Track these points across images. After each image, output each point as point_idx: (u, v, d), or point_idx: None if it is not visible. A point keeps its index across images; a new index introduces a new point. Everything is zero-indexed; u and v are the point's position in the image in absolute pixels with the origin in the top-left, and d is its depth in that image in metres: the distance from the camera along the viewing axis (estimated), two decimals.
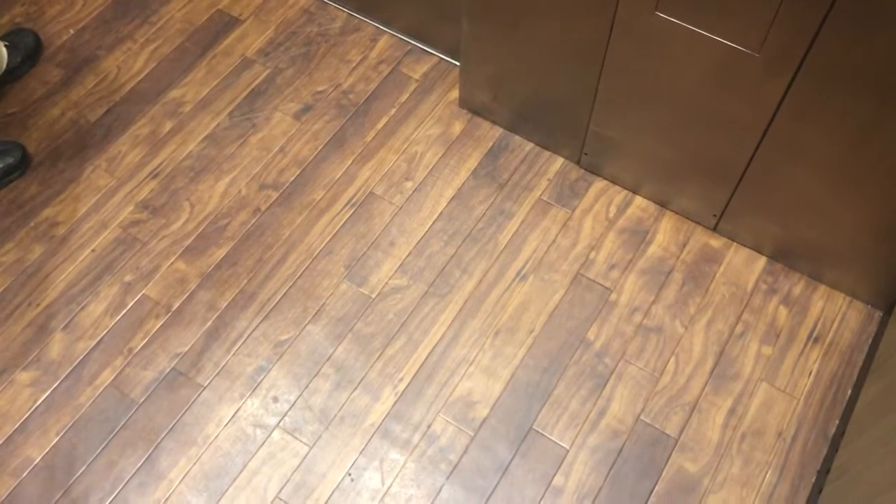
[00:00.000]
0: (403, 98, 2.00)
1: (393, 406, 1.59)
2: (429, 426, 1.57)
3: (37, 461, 1.53)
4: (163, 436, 1.56)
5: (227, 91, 2.01)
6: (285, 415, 1.58)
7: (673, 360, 1.64)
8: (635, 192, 1.84)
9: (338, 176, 1.88)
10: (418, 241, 1.79)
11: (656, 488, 1.51)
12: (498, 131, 1.94)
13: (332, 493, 1.51)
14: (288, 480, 1.52)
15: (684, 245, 1.78)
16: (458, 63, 2.01)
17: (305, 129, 1.95)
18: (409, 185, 1.87)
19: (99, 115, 1.97)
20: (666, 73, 1.50)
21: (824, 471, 1.48)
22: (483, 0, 1.64)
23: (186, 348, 1.65)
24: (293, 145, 1.93)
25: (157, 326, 1.68)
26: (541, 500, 1.50)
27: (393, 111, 1.98)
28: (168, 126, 1.95)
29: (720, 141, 1.57)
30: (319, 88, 2.01)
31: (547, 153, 1.91)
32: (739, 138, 1.53)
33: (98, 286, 1.72)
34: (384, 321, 1.69)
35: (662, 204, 1.82)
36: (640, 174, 1.80)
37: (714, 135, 1.57)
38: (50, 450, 1.54)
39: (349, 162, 1.90)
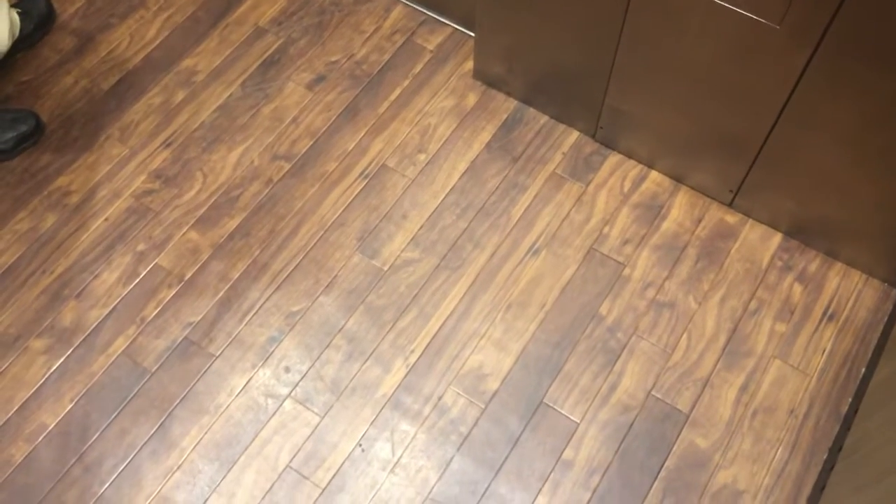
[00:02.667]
0: (417, 69, 1.98)
1: (404, 378, 1.59)
2: (439, 398, 1.57)
3: (51, 427, 1.55)
4: (175, 404, 1.57)
5: (240, 61, 2.00)
6: (297, 385, 1.59)
7: (685, 336, 1.63)
8: (651, 166, 1.83)
9: (350, 147, 1.87)
10: (431, 214, 1.78)
11: (666, 463, 1.51)
12: (512, 104, 1.93)
13: (343, 462, 1.51)
14: (299, 450, 1.53)
15: (699, 221, 1.76)
16: (472, 34, 1.98)
17: (318, 100, 1.94)
18: (422, 157, 1.86)
19: (112, 83, 1.96)
20: (684, 46, 1.48)
21: (836, 448, 1.48)
22: None
23: (199, 318, 1.65)
24: (306, 116, 1.92)
25: (170, 296, 1.68)
26: (550, 473, 1.50)
27: (406, 82, 1.96)
28: (181, 95, 1.95)
29: (738, 115, 1.55)
30: (333, 58, 2.00)
31: (562, 126, 1.89)
32: (758, 113, 1.51)
33: (111, 255, 1.73)
34: (396, 294, 1.68)
35: (678, 179, 1.80)
36: (656, 148, 1.78)
37: (732, 109, 1.54)
38: (64, 416, 1.56)
39: (362, 133, 1.89)
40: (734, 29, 1.38)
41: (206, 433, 1.54)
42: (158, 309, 1.67)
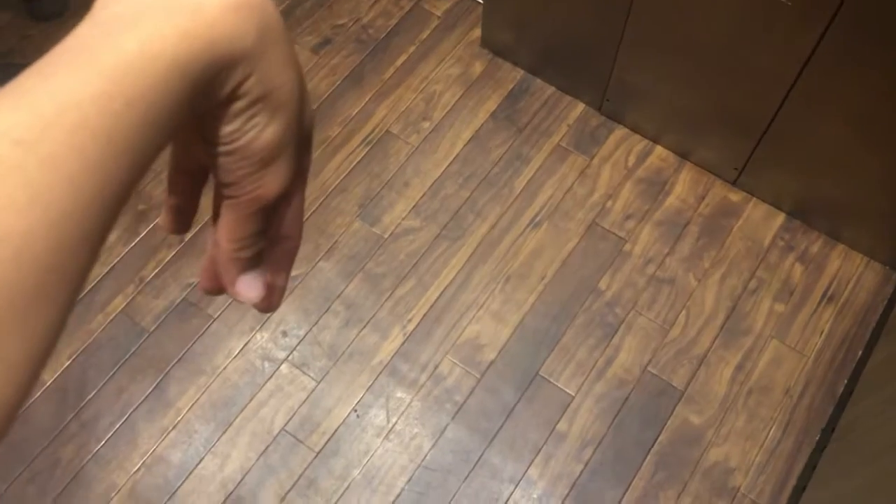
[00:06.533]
0: (424, 35, 1.96)
1: (401, 345, 1.60)
2: (436, 367, 1.58)
3: (49, 384, 1.55)
4: (172, 364, 1.58)
5: None
6: (294, 349, 1.59)
7: (684, 312, 1.63)
8: (656, 141, 1.81)
9: (354, 113, 1.86)
10: (433, 183, 1.77)
11: (660, 438, 1.51)
12: (519, 73, 1.91)
13: (338, 428, 1.52)
14: (294, 414, 1.53)
15: (703, 197, 1.75)
16: (481, 1, 1.95)
17: (323, 64, 1.92)
18: (426, 125, 1.84)
19: None
20: (695, 20, 1.46)
21: (829, 429, 1.48)
22: None
23: (198, 279, 1.65)
24: (310, 79, 1.90)
25: (170, 256, 1.68)
26: (544, 444, 1.51)
27: (413, 48, 1.94)
28: None
29: (746, 92, 1.53)
30: (339, 22, 1.97)
31: (568, 98, 1.87)
32: (766, 90, 1.49)
33: None
34: (396, 261, 1.68)
35: (683, 155, 1.79)
36: (662, 124, 1.76)
37: (740, 86, 1.52)
38: (62, 373, 1.56)
39: (366, 99, 1.88)
40: (746, 4, 1.36)
41: (202, 394, 1.55)
42: (158, 269, 1.67)
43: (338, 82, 1.90)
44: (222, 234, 0.36)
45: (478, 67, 1.92)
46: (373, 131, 1.83)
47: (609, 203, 1.74)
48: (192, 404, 1.54)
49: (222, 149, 0.31)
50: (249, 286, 0.38)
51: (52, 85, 0.24)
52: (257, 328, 1.61)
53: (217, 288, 0.40)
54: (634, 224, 1.72)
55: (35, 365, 0.24)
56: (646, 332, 1.61)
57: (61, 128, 0.24)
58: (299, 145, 0.34)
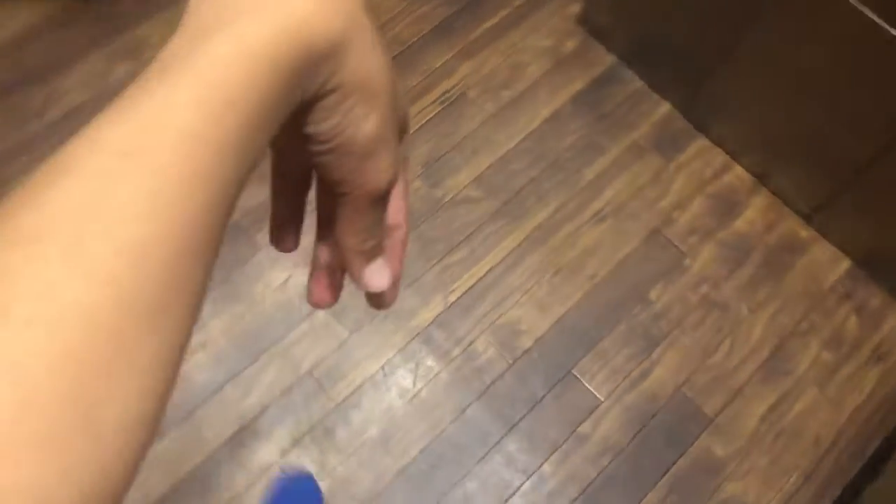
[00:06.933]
0: (520, 0, 1.89)
1: (440, 314, 1.58)
2: (471, 343, 1.56)
3: None
4: (212, 285, 1.56)
5: None
6: None
7: (729, 340, 1.59)
8: (736, 159, 1.75)
9: (436, 66, 1.81)
10: (502, 156, 1.73)
11: (679, 461, 1.50)
12: (610, 59, 1.84)
13: (364, 382, 1.51)
14: (323, 360, 1.53)
15: (772, 227, 1.70)
16: None
17: (412, 10, 1.86)
18: (506, 94, 1.79)
19: None
20: (814, 49, 1.39)
21: (851, 489, 1.46)
22: None
23: (253, 204, 1.63)
24: (397, 24, 1.84)
25: None
26: (563, 443, 1.50)
27: (507, 12, 1.88)
28: None
29: (844, 132, 1.47)
30: None
31: (656, 96, 1.81)
32: (866, 135, 1.43)
33: None
34: (450, 228, 1.65)
35: (761, 179, 1.73)
36: (747, 143, 1.70)
37: (840, 124, 1.46)
38: None
39: (450, 55, 1.82)
40: (871, 44, 1.29)
41: (236, 320, 1.54)
42: None
43: (424, 31, 1.84)
44: (343, 230, 0.35)
45: (569, 45, 1.85)
46: (451, 90, 1.78)
47: (676, 213, 1.70)
48: (226, 327, 1.53)
49: (325, 146, 0.30)
50: (376, 274, 0.37)
51: (152, 96, 0.24)
52: (301, 265, 1.59)
53: (330, 297, 0.39)
54: (698, 240, 1.68)
55: (166, 376, 0.23)
56: (687, 351, 1.58)
57: (165, 136, 0.23)
58: (398, 130, 0.33)
